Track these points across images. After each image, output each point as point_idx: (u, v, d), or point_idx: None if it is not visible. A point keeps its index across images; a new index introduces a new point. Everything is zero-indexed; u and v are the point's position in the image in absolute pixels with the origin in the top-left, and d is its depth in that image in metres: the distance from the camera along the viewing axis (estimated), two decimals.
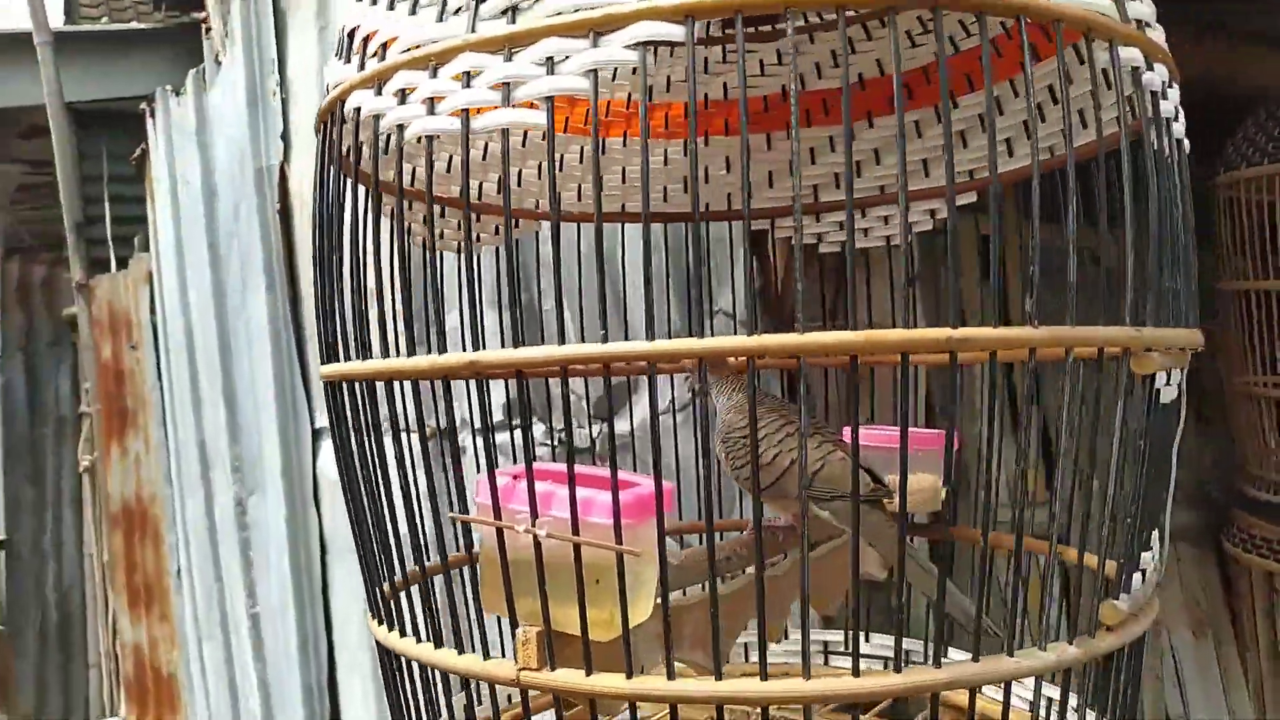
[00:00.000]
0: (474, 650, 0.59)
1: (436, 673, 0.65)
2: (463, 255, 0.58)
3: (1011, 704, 0.61)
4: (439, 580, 0.64)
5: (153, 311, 2.38)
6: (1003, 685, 0.56)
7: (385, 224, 0.69)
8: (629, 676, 0.53)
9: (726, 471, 0.84)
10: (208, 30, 2.10)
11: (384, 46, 0.61)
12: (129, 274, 2.52)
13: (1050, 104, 0.90)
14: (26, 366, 3.40)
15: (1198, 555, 1.69)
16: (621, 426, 1.28)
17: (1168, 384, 0.64)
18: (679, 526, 1.02)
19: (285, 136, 1.81)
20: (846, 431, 1.06)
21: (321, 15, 1.70)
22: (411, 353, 0.59)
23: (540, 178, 1.06)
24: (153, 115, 2.22)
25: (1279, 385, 1.39)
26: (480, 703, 0.73)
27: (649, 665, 0.58)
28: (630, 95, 1.08)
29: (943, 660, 0.53)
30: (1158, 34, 0.64)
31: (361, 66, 0.62)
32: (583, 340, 0.98)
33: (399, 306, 0.60)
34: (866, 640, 0.96)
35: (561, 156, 1.07)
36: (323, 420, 1.79)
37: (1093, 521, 0.63)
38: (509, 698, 0.79)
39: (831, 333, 0.52)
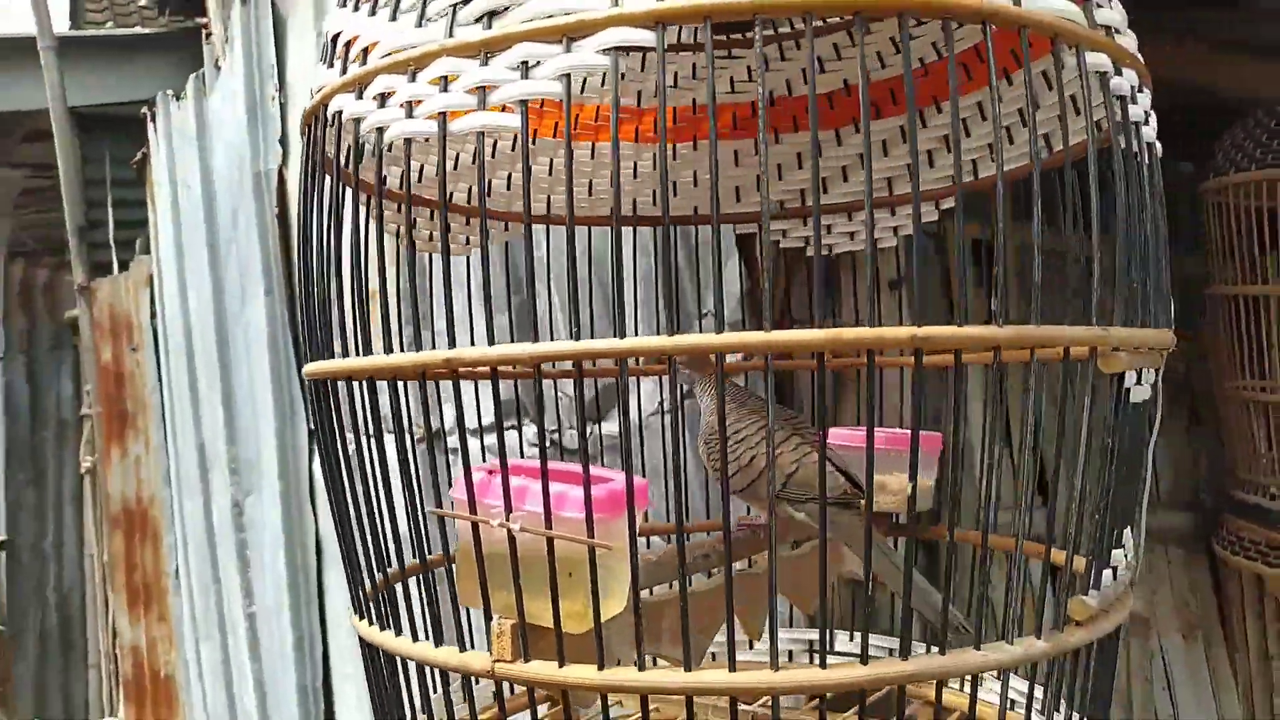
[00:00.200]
0: (453, 644, 0.60)
1: (416, 668, 0.66)
2: (440, 255, 0.59)
3: (991, 701, 0.63)
4: (418, 577, 0.65)
5: (153, 314, 2.39)
6: (969, 679, 0.57)
7: (373, 226, 0.70)
8: (600, 668, 0.54)
9: (709, 471, 0.85)
10: (208, 35, 2.12)
11: (365, 51, 0.62)
12: (130, 277, 2.54)
13: (1029, 110, 0.91)
14: (28, 369, 3.42)
15: (1188, 558, 1.69)
16: (611, 428, 1.29)
17: (1139, 384, 0.65)
18: (658, 527, 1.04)
19: (284, 141, 1.83)
20: (834, 434, 1.07)
21: (319, 21, 1.72)
22: (390, 351, 0.60)
23: (510, 186, 1.07)
24: (153, 120, 2.24)
25: (1267, 389, 1.40)
26: (464, 699, 0.74)
27: (625, 660, 0.59)
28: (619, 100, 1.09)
29: (910, 654, 0.54)
30: (1127, 39, 0.65)
31: (344, 71, 0.63)
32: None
33: (380, 307, 0.62)
34: (850, 639, 0.97)
35: (550, 161, 1.08)
36: None
37: (1061, 519, 0.64)
38: (493, 694, 0.80)
39: (796, 330, 0.53)
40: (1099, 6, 0.63)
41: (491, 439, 1.37)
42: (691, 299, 1.21)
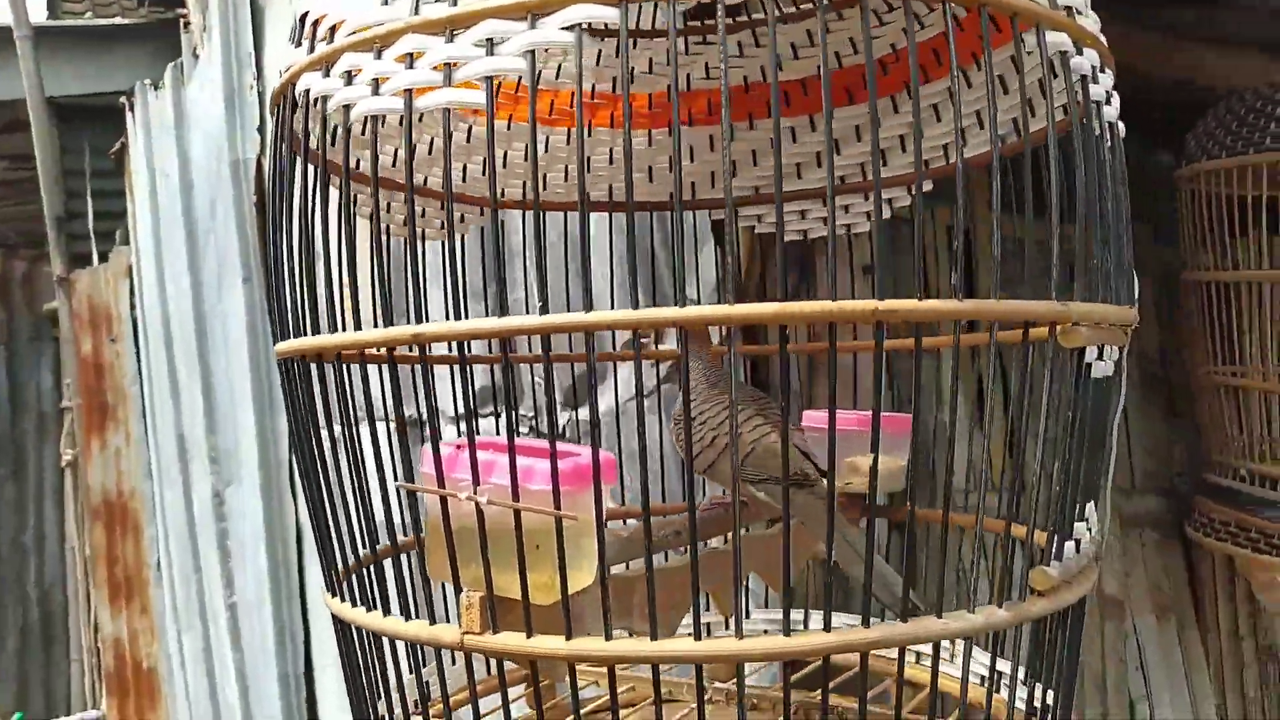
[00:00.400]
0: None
1: (390, 646, 0.67)
2: (407, 237, 0.60)
3: (956, 675, 0.63)
4: (393, 556, 0.66)
5: (132, 305, 2.39)
6: (931, 645, 0.58)
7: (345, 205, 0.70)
8: (568, 638, 0.54)
9: (678, 452, 0.86)
10: (187, 25, 2.11)
11: (332, 30, 0.62)
12: (109, 268, 2.53)
13: (990, 97, 0.91)
14: (7, 362, 3.40)
15: (1162, 542, 1.72)
16: (588, 414, 1.30)
17: (1100, 359, 0.66)
18: (633, 510, 1.04)
19: (262, 130, 1.82)
20: (808, 415, 1.08)
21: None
22: (359, 329, 0.61)
23: (504, 166, 1.08)
24: (132, 109, 2.23)
25: (1238, 374, 1.42)
26: (442, 673, 0.75)
27: (595, 633, 0.60)
28: (594, 85, 1.09)
29: (871, 621, 0.55)
30: (1088, 20, 0.66)
31: (311, 50, 0.64)
32: None
33: (351, 287, 0.62)
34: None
35: (525, 147, 1.09)
36: None
37: (1026, 492, 0.65)
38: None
39: (759, 304, 0.53)
40: None
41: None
42: (669, 284, 1.22)
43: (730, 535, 0.86)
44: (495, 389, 1.26)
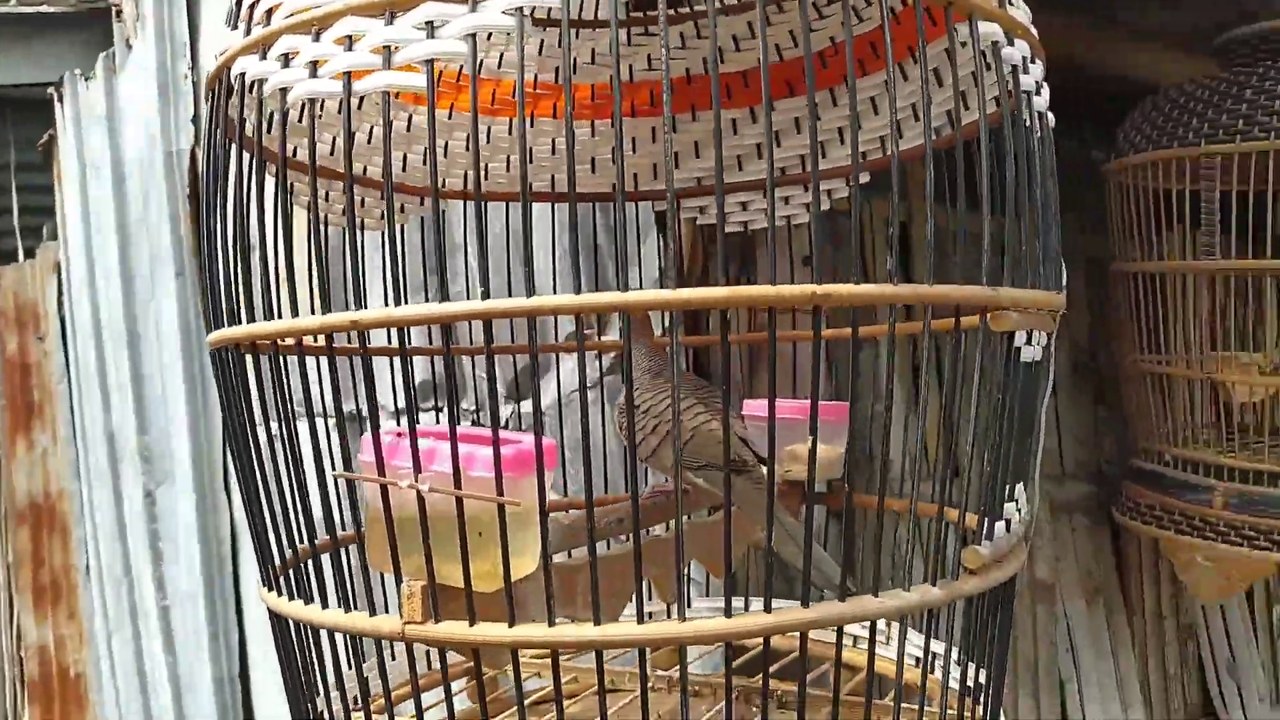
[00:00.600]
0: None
1: (329, 640, 0.66)
2: (345, 226, 0.59)
3: (889, 657, 0.64)
4: (331, 550, 0.65)
5: (60, 302, 2.32)
6: (868, 626, 0.59)
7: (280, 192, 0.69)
8: (511, 624, 0.54)
9: (622, 440, 0.86)
10: (119, 14, 2.05)
11: (269, 13, 0.61)
12: (36, 264, 2.45)
13: (935, 88, 0.93)
14: None
15: (1091, 527, 1.77)
16: (532, 406, 1.29)
17: (1029, 344, 0.67)
18: (576, 501, 1.04)
19: (196, 120, 1.79)
20: (749, 404, 1.09)
21: None
22: (296, 315, 0.60)
23: (445, 156, 1.07)
24: (61, 101, 2.16)
25: (1163, 362, 1.46)
26: (383, 666, 0.74)
27: (538, 620, 0.60)
28: (537, 75, 1.09)
29: (810, 602, 0.56)
30: (1019, 11, 0.68)
31: (248, 32, 0.63)
32: None
33: (284, 276, 0.61)
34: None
35: (467, 137, 1.08)
36: None
37: (959, 476, 0.66)
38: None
39: (700, 288, 0.54)
40: None
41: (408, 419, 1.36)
42: (612, 275, 1.22)
43: (671, 523, 0.87)
44: (436, 383, 1.25)
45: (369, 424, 0.57)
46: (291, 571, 0.65)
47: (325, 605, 0.62)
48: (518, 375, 1.36)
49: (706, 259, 1.23)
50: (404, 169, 1.05)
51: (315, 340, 0.63)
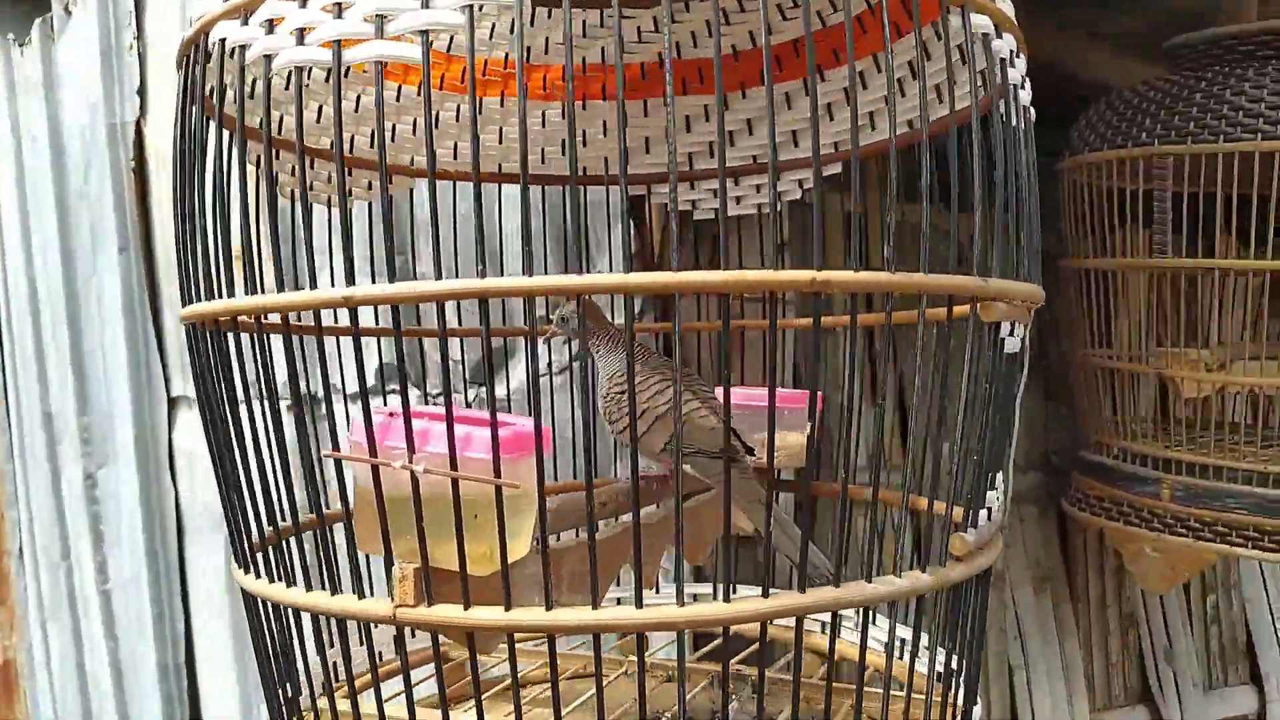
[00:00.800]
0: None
1: (311, 622, 0.65)
2: (336, 202, 0.58)
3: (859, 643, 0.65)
4: (314, 530, 0.63)
5: None
6: (861, 618, 0.59)
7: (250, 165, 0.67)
8: (507, 608, 0.54)
9: (606, 427, 0.85)
10: None
11: None
12: None
13: (910, 79, 0.94)
14: None
15: (1040, 517, 1.81)
16: (499, 390, 1.28)
17: (1011, 335, 0.68)
18: (554, 486, 1.03)
19: (142, 91, 1.73)
20: (719, 393, 1.09)
21: None
22: (281, 289, 0.58)
23: (415, 133, 1.05)
24: None
25: (1112, 357, 1.50)
26: (371, 649, 0.73)
27: (527, 605, 0.59)
28: (508, 55, 1.08)
29: (807, 587, 0.56)
30: (1005, 5, 0.68)
31: None
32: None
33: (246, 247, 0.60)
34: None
35: (437, 114, 1.06)
36: (180, 389, 1.73)
37: (944, 463, 0.67)
38: (386, 647, 0.79)
39: (700, 271, 0.53)
40: None
41: (370, 401, 1.34)
42: (576, 259, 1.21)
43: (651, 509, 0.86)
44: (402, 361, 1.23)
45: (360, 404, 0.55)
46: (272, 553, 0.63)
47: (310, 588, 0.60)
48: (486, 357, 1.34)
49: (678, 245, 1.23)
50: (370, 145, 1.02)
51: (298, 318, 0.61)
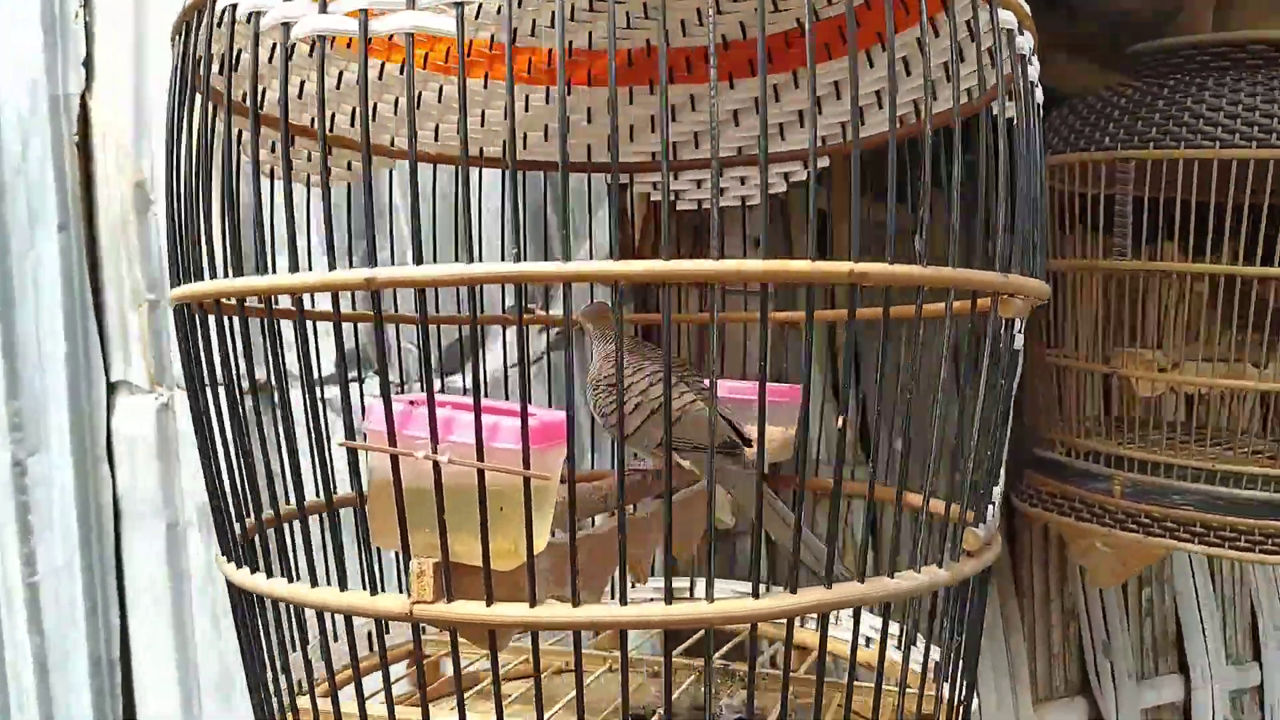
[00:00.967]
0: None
1: (295, 616, 0.62)
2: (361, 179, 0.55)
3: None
4: (306, 519, 0.60)
5: None
6: (882, 611, 0.59)
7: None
8: (532, 605, 0.52)
9: (595, 417, 0.84)
10: None
11: None
12: None
13: (904, 72, 0.94)
14: None
15: None
16: (465, 380, 1.25)
17: (1018, 331, 0.69)
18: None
19: (88, 63, 1.66)
20: (719, 384, 1.08)
21: None
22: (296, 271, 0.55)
23: (396, 113, 1.02)
24: None
25: (1064, 356, 1.53)
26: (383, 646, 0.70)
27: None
28: (494, 36, 1.05)
29: (833, 583, 0.55)
30: (1025, 3, 0.68)
31: None
32: None
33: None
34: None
35: (420, 94, 1.03)
36: (121, 373, 1.66)
37: (949, 458, 0.67)
38: (372, 644, 0.77)
39: (741, 260, 0.52)
40: None
41: (328, 391, 1.30)
42: (558, 248, 1.19)
43: (639, 504, 0.85)
44: (360, 355, 1.20)
45: (380, 391, 0.53)
46: (271, 546, 0.61)
47: (315, 583, 0.58)
48: (462, 345, 1.31)
49: (656, 235, 1.22)
50: (351, 124, 0.99)
51: (310, 301, 0.59)
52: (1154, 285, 1.46)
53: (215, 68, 0.68)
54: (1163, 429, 1.46)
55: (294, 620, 0.64)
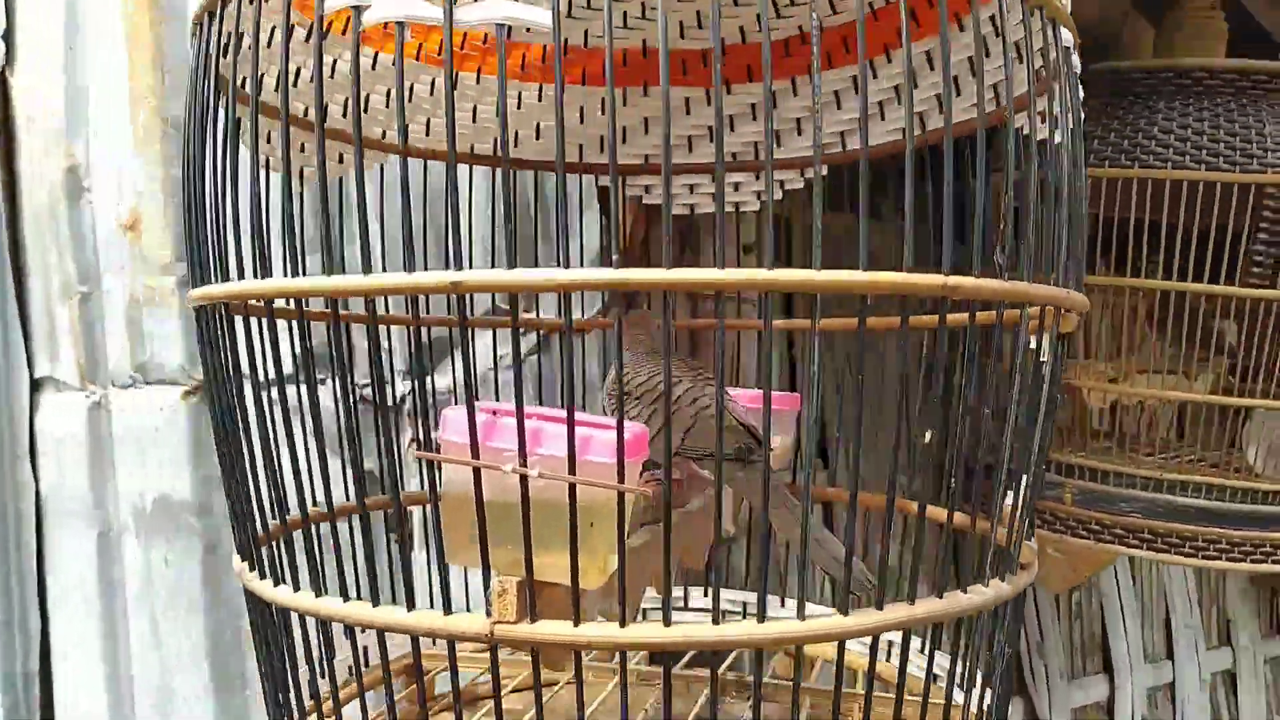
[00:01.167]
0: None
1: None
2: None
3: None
4: (337, 529, 0.57)
5: None
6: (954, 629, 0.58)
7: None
8: (623, 624, 0.50)
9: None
10: None
11: None
12: None
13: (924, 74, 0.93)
14: None
15: None
16: (442, 382, 1.21)
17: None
18: None
19: (8, 37, 1.54)
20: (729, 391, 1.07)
21: None
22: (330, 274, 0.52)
23: (388, 106, 0.97)
24: None
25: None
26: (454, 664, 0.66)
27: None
28: (486, 35, 1.02)
29: (916, 598, 0.55)
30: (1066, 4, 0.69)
31: None
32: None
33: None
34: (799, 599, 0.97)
35: (411, 87, 0.99)
36: (46, 369, 1.55)
37: (1007, 473, 0.67)
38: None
39: (839, 271, 0.51)
40: None
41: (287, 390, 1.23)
42: (544, 251, 1.16)
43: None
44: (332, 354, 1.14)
45: (461, 400, 0.50)
46: (300, 559, 0.57)
47: (377, 602, 0.54)
48: (431, 350, 1.26)
49: (648, 237, 1.20)
50: (343, 114, 0.94)
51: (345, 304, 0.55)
52: (1111, 300, 1.50)
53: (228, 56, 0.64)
54: (1115, 439, 1.51)
55: (321, 636, 0.60)
